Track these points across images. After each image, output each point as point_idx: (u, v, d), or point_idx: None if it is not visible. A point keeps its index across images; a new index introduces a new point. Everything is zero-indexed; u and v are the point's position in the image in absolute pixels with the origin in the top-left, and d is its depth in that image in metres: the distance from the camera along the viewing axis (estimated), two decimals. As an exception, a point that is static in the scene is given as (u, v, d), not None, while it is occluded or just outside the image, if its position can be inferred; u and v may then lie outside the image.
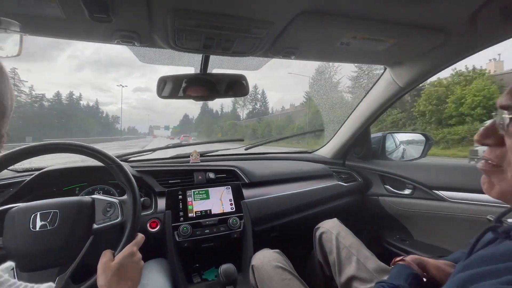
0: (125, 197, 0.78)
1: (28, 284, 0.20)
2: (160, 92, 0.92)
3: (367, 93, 1.20)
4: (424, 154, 1.42)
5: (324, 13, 0.63)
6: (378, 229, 1.37)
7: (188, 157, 1.30)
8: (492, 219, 0.49)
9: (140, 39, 0.66)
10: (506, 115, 0.39)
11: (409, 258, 0.66)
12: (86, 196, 0.76)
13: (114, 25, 0.60)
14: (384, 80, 1.09)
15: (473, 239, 0.50)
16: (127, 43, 0.68)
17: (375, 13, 0.64)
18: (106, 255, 0.59)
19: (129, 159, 1.20)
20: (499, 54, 15.77)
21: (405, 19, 0.66)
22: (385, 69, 1.07)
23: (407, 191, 1.23)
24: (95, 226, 0.71)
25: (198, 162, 1.27)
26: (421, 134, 1.50)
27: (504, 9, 0.62)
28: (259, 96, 50.56)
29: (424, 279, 0.61)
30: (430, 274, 0.63)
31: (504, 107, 0.40)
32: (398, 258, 0.67)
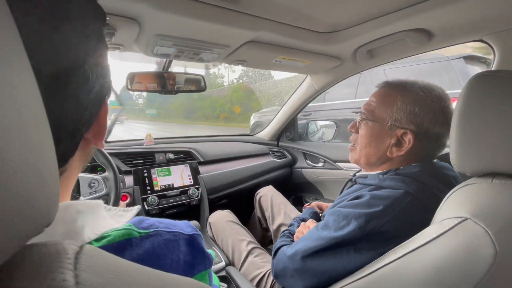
0: (106, 173, 0.95)
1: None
2: (128, 85, 1.07)
3: (294, 92, 1.57)
4: (334, 136, 1.91)
5: (263, 43, 0.91)
6: (301, 192, 1.82)
7: (138, 140, 1.46)
8: (352, 175, 0.90)
9: (124, 48, 0.82)
10: (359, 117, 0.76)
11: (313, 203, 1.06)
12: None
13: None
14: (306, 83, 1.46)
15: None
16: (110, 49, 0.82)
17: (295, 45, 0.96)
18: None
19: None
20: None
21: (315, 50, 1.01)
22: (306, 76, 1.44)
23: (320, 164, 1.69)
24: (81, 198, 0.88)
25: (153, 145, 1.45)
26: (333, 121, 1.99)
27: (369, 51, 1.03)
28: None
29: (320, 214, 1.02)
30: (323, 211, 1.04)
31: (360, 112, 0.76)
32: (307, 204, 1.07)
